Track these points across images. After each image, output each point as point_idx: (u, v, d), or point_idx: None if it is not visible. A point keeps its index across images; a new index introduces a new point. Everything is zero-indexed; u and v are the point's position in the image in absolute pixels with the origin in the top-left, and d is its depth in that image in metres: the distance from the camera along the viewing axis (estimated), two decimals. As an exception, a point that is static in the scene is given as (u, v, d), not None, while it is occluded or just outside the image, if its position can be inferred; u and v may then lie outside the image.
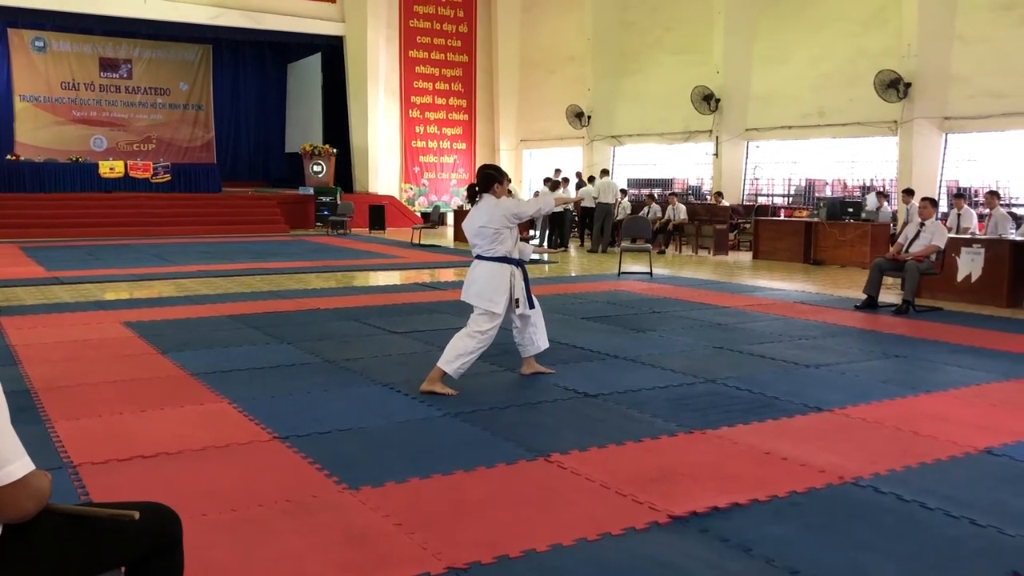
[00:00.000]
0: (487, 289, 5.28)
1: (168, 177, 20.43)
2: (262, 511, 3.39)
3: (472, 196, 5.48)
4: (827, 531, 3.26)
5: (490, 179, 5.37)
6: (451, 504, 3.48)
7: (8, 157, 20.19)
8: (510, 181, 5.52)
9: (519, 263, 5.43)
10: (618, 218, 16.28)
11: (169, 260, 13.08)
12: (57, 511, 1.91)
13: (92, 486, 3.63)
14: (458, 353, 5.21)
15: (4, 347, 6.50)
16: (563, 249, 15.95)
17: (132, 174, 20.06)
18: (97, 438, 4.31)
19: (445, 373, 5.21)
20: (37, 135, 22.97)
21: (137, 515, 1.92)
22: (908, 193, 13.25)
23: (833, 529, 3.28)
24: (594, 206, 16.15)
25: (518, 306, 5.35)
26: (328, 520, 3.30)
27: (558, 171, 19.30)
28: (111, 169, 19.89)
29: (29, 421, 4.47)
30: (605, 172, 17.17)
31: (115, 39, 23.68)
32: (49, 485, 1.87)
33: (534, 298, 5.53)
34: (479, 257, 5.37)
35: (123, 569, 2.03)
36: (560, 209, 15.51)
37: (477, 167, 6.34)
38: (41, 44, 23.07)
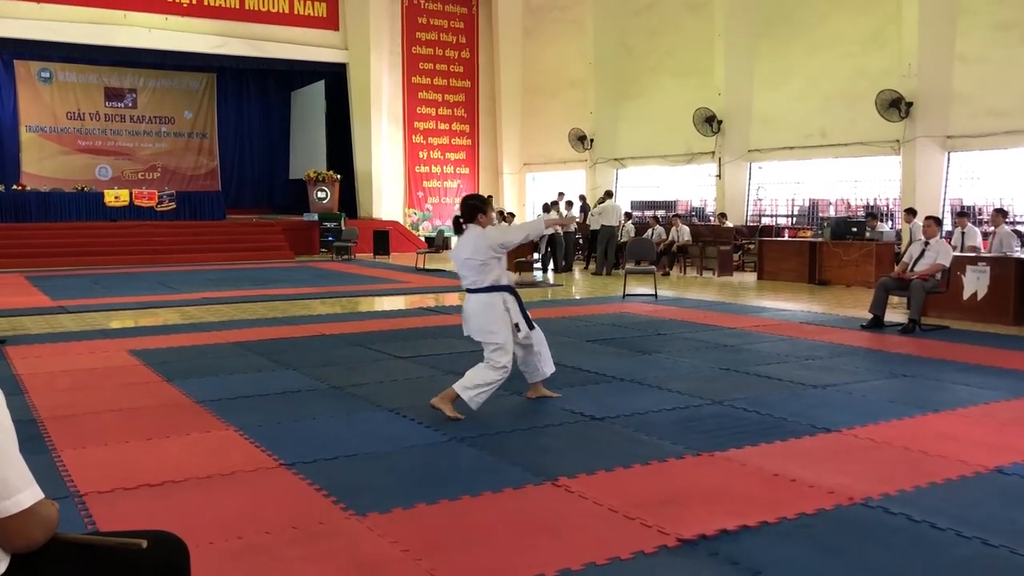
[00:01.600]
0: (484, 321, 5.27)
1: (173, 205, 20.55)
2: (269, 538, 3.38)
3: (458, 227, 5.47)
4: (837, 553, 3.24)
5: (474, 209, 5.35)
6: (458, 530, 3.47)
7: (14, 187, 20.33)
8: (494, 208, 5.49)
9: (509, 288, 5.42)
10: (622, 240, 16.30)
11: (174, 288, 13.11)
12: (65, 540, 1.90)
13: (99, 515, 3.62)
14: (476, 382, 5.17)
15: (10, 376, 6.51)
16: (567, 271, 15.94)
17: (137, 202, 20.18)
18: (103, 467, 4.30)
19: (459, 397, 5.19)
20: (43, 165, 23.13)
21: (145, 544, 1.92)
22: (911, 212, 13.26)
23: (843, 551, 3.25)
24: (599, 228, 16.18)
25: (519, 330, 5.34)
26: (335, 547, 3.29)
27: (561, 194, 19.37)
28: (116, 198, 20.01)
29: (35, 450, 4.46)
30: (609, 194, 17.20)
31: (120, 69, 23.91)
32: (57, 514, 1.87)
33: (532, 320, 5.51)
34: (468, 290, 5.37)
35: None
36: (550, 231, 15.44)
37: (475, 193, 6.28)
38: (47, 75, 23.29)
